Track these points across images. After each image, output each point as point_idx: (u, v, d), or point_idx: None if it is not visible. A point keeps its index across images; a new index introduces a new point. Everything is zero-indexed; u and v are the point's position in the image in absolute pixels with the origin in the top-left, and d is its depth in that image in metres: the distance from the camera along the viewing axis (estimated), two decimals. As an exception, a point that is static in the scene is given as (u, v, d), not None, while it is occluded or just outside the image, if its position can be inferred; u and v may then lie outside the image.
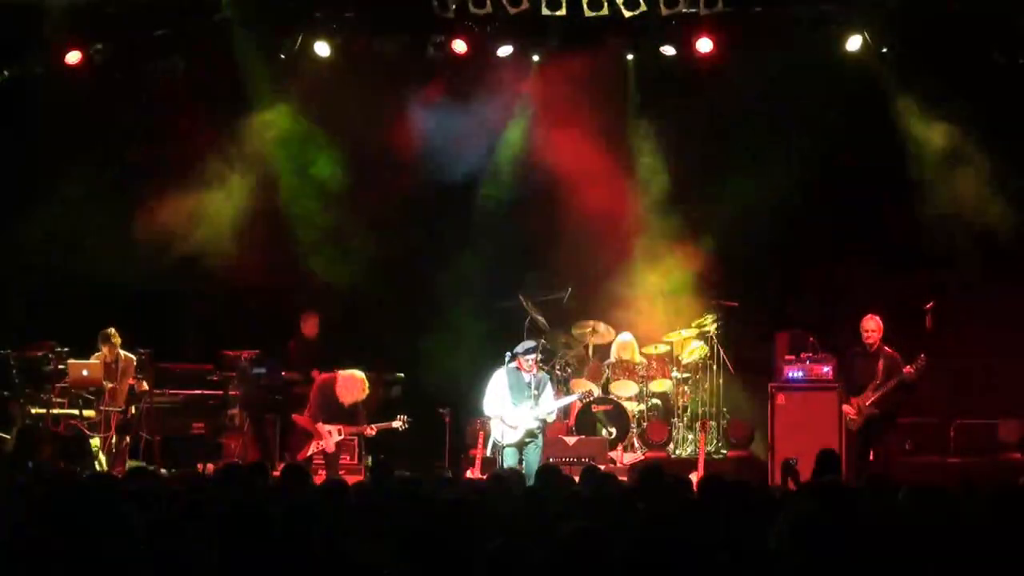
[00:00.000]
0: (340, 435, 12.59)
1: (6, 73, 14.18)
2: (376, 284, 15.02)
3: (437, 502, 5.91)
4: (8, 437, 12.73)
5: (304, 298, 14.94)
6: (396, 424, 12.72)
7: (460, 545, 5.30)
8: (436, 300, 14.95)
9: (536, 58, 14.65)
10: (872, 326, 12.17)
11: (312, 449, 12.56)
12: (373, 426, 12.67)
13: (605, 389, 14.43)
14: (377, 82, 14.51)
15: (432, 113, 14.89)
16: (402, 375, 14.67)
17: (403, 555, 5.78)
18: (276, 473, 9.40)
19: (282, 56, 14.49)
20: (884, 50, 13.97)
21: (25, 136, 14.20)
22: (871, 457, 12.04)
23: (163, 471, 11.58)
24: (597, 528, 4.21)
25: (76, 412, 12.90)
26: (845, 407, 12.14)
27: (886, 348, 12.24)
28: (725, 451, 14.40)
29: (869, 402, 12.02)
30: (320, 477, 11.54)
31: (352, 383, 12.61)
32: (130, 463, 12.73)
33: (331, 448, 12.57)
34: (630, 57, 14.63)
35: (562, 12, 13.65)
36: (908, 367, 11.92)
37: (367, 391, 12.69)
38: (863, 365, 12.17)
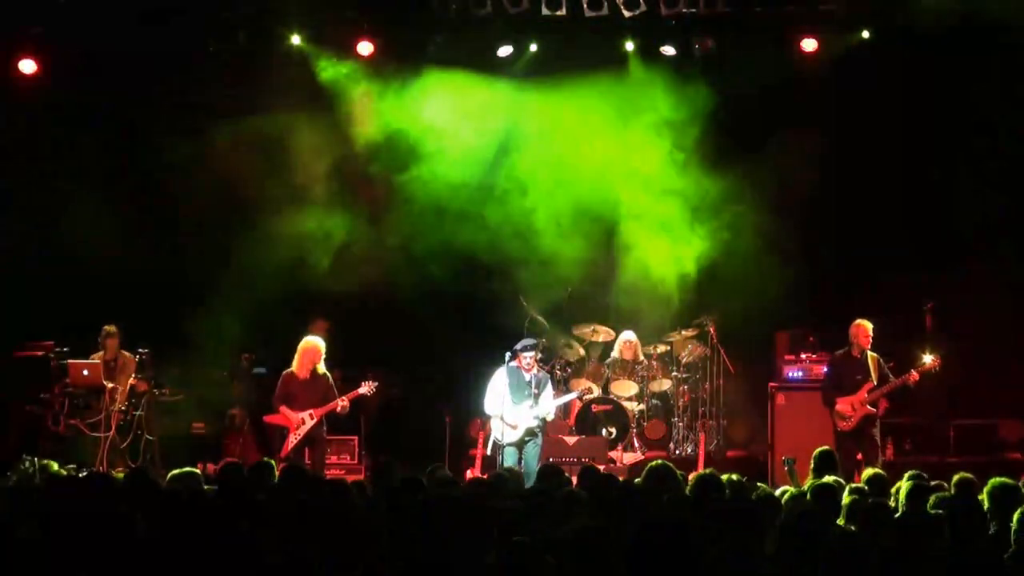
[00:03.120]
0: (313, 419, 12.42)
1: None
2: (377, 284, 15.03)
3: (438, 501, 5.92)
4: (8, 437, 12.74)
5: (307, 299, 14.93)
6: (363, 390, 12.53)
7: (461, 545, 5.31)
8: (436, 300, 14.97)
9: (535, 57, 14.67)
10: (870, 331, 12.26)
11: (292, 442, 12.42)
12: (344, 398, 12.44)
13: (605, 389, 14.42)
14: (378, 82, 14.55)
15: (433, 112, 14.89)
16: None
17: (404, 555, 5.80)
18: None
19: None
20: (885, 49, 14.02)
21: (23, 133, 14.25)
22: (859, 457, 12.08)
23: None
24: (600, 527, 4.21)
25: (76, 412, 12.90)
26: (841, 406, 12.12)
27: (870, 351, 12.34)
28: (725, 451, 14.41)
29: (867, 401, 12.08)
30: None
31: (302, 351, 12.50)
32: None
33: (303, 432, 12.39)
34: (630, 49, 14.61)
35: (562, 12, 13.68)
36: (914, 371, 12.04)
37: (321, 349, 12.51)
38: (853, 367, 12.24)
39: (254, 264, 14.42)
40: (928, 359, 12.13)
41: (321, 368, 12.48)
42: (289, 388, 12.43)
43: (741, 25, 13.94)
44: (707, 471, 7.56)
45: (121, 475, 8.81)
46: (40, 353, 13.17)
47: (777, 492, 7.89)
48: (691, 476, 7.71)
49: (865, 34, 14.02)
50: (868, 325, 12.24)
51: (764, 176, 14.31)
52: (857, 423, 12.08)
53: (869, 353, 12.20)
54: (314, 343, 12.50)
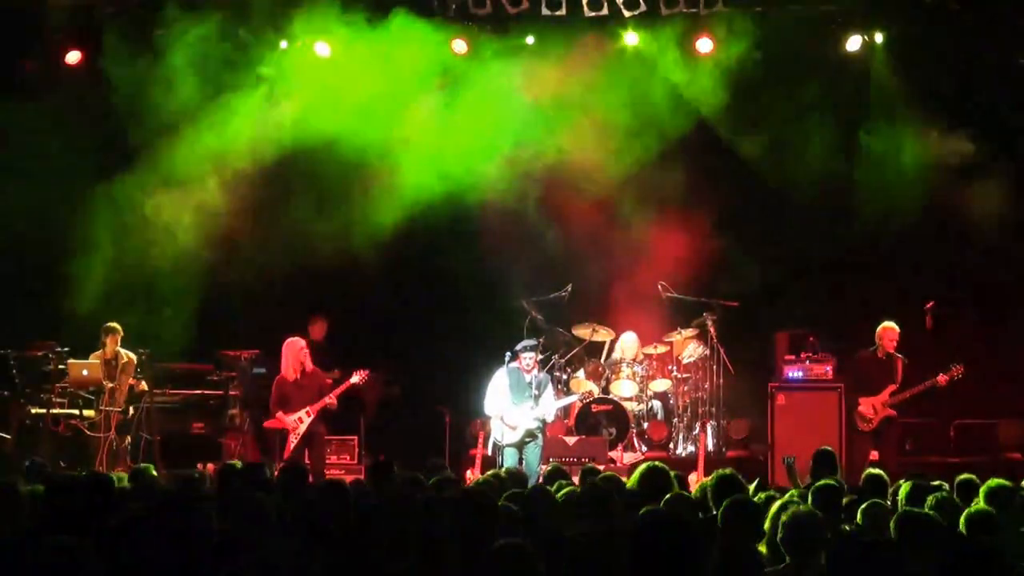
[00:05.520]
0: (310, 416, 12.46)
1: None
2: (377, 283, 15.03)
3: (438, 501, 5.91)
4: (8, 437, 12.73)
5: (306, 298, 14.92)
6: (355, 379, 12.63)
7: (461, 545, 5.31)
8: (437, 300, 14.97)
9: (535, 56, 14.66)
10: (897, 334, 12.38)
11: (292, 443, 12.47)
12: (331, 395, 12.54)
13: (605, 389, 14.42)
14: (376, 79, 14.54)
15: (430, 111, 14.87)
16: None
17: (406, 554, 5.80)
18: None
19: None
20: (887, 52, 14.05)
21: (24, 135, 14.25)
22: (875, 457, 12.17)
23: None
24: (601, 530, 4.20)
25: (76, 412, 12.88)
26: (863, 407, 12.27)
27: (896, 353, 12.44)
28: (725, 451, 14.40)
29: (889, 403, 12.23)
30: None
31: (285, 352, 12.59)
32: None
33: (302, 431, 12.45)
34: (633, 43, 14.58)
35: (562, 12, 13.70)
36: (943, 375, 12.15)
37: (303, 345, 12.64)
38: (879, 368, 12.37)
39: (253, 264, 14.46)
40: (954, 365, 12.28)
41: (310, 365, 12.59)
42: (283, 391, 12.56)
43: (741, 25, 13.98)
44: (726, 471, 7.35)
45: (121, 475, 8.81)
46: (40, 353, 13.16)
47: (777, 492, 7.88)
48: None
49: (879, 37, 14.06)
50: (896, 328, 12.44)
51: (766, 176, 14.34)
52: (878, 424, 12.26)
53: (894, 355, 12.36)
54: (294, 341, 12.64)
